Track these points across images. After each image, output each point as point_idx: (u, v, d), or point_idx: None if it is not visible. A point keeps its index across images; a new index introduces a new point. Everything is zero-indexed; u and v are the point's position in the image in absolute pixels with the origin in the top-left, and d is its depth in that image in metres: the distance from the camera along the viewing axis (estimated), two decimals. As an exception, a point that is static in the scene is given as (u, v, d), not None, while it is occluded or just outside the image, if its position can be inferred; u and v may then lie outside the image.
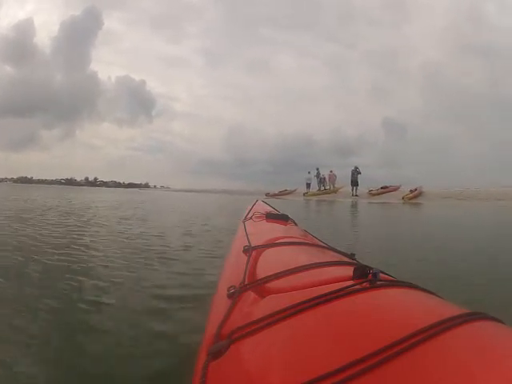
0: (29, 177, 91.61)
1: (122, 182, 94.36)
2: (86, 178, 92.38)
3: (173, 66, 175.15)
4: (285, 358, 0.46)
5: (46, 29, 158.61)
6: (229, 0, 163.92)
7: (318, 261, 0.78)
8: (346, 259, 0.91)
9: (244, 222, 1.63)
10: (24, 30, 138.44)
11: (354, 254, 0.99)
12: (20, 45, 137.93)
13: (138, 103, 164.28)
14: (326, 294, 0.55)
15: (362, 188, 16.73)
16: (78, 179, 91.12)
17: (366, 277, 0.63)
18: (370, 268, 0.64)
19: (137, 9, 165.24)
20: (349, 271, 0.67)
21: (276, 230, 1.43)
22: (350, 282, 0.61)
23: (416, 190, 14.91)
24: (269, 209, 2.17)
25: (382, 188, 16.22)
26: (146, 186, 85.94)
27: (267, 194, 18.37)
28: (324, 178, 18.25)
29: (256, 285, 0.71)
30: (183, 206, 11.11)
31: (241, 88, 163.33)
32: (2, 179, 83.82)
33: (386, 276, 0.71)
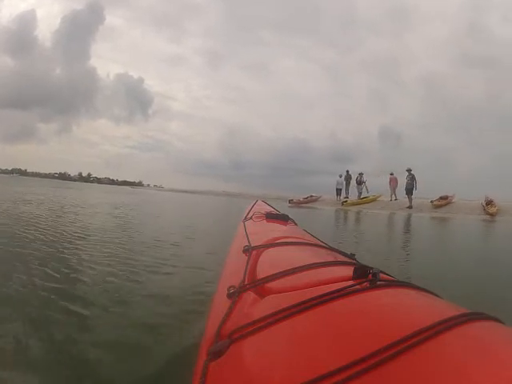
0: (23, 169, 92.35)
1: (116, 179, 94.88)
2: (80, 174, 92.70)
3: (172, 65, 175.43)
4: (285, 357, 0.46)
5: (48, 22, 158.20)
6: (230, 1, 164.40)
7: (317, 261, 0.78)
8: (345, 259, 0.91)
9: (244, 222, 1.62)
10: (26, 22, 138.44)
11: (353, 254, 0.99)
12: (21, 36, 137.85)
13: (136, 101, 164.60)
14: (326, 294, 0.55)
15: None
16: (72, 174, 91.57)
17: (366, 277, 0.63)
18: (370, 268, 0.64)
19: (138, 5, 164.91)
20: (349, 271, 0.67)
21: (276, 230, 1.43)
22: (350, 282, 0.61)
23: (492, 201, 11.44)
24: (269, 209, 2.17)
25: (441, 198, 12.91)
26: (140, 184, 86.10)
27: (291, 201, 15.41)
28: (362, 183, 14.65)
29: (256, 285, 0.71)
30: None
31: (239, 90, 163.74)
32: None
33: (386, 276, 0.71)
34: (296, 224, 1.76)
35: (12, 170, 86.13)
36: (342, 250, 1.02)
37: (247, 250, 0.99)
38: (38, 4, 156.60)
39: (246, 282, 0.75)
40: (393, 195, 13.98)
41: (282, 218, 1.70)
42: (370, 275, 0.63)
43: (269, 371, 0.45)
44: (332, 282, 0.63)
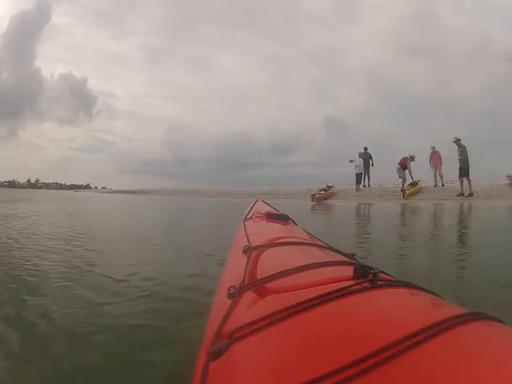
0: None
1: (64, 183, 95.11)
2: (29, 180, 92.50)
3: (114, 63, 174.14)
4: (285, 357, 0.46)
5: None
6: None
7: (318, 261, 0.78)
8: (346, 259, 0.91)
9: (244, 222, 1.63)
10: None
11: (354, 254, 0.99)
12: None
13: (79, 101, 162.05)
14: (325, 294, 0.55)
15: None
16: (21, 181, 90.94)
17: (366, 277, 0.63)
18: (370, 268, 0.64)
19: (83, 2, 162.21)
20: (349, 271, 0.67)
21: (276, 230, 1.43)
22: (350, 282, 0.61)
23: None
24: (269, 209, 2.18)
25: None
26: (88, 187, 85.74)
27: (314, 197, 11.53)
28: (403, 166, 10.63)
29: (256, 285, 0.71)
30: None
31: (181, 86, 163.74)
32: None
33: (386, 276, 0.71)
34: (296, 224, 1.76)
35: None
36: (342, 250, 1.02)
37: (247, 250, 0.99)
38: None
39: (246, 282, 0.75)
40: (437, 178, 10.23)
41: (282, 218, 1.70)
42: (370, 275, 0.63)
43: (269, 371, 0.45)
44: (332, 282, 0.63)
